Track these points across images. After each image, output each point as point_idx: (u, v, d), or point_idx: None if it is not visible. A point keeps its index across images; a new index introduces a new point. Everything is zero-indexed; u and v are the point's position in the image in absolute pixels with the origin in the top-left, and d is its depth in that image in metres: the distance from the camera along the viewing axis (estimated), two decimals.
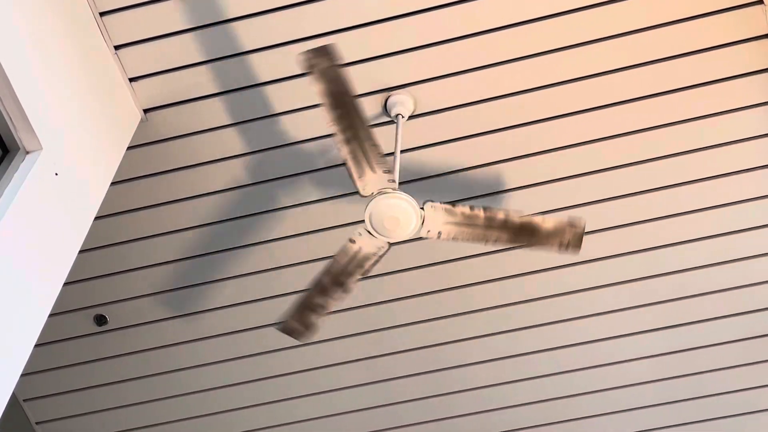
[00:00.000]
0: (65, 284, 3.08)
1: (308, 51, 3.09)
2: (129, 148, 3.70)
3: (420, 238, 4.03)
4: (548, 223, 3.28)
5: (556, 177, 3.96)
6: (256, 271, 4.23)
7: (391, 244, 3.36)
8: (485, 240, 3.31)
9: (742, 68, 3.66)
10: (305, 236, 4.12)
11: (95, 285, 4.24)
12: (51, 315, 2.98)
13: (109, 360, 4.50)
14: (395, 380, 4.61)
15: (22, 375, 2.78)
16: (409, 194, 3.26)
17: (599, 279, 4.26)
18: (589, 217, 4.05)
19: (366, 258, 3.38)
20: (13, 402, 4.54)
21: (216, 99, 3.73)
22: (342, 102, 3.15)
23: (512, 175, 3.94)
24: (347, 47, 3.60)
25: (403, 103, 3.70)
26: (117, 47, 3.60)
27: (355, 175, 3.24)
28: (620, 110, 3.78)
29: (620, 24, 3.58)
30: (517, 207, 4.03)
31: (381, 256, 3.39)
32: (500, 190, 3.99)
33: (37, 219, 2.95)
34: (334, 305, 3.54)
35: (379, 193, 3.24)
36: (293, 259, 4.20)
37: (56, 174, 3.08)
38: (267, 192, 3.99)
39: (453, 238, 3.32)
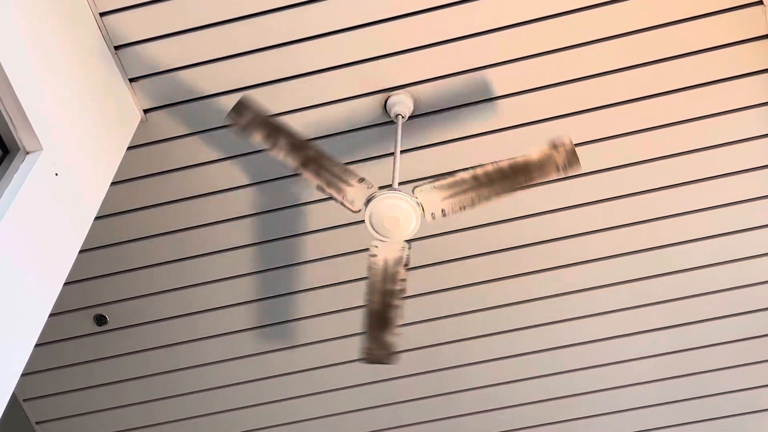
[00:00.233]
0: (65, 284, 3.08)
1: (229, 113, 3.21)
2: (129, 148, 3.70)
3: (418, 239, 4.04)
4: (535, 153, 3.20)
5: (556, 177, 3.95)
6: (256, 271, 4.23)
7: (410, 243, 3.34)
8: (488, 197, 3.24)
9: (742, 68, 3.66)
10: (305, 236, 4.12)
11: (95, 285, 4.24)
12: (51, 315, 2.98)
13: (109, 360, 4.50)
14: (395, 380, 4.61)
15: (22, 375, 2.78)
16: (403, 191, 3.25)
17: (599, 279, 4.26)
18: (590, 217, 4.07)
19: (396, 263, 3.36)
20: (13, 402, 4.54)
21: (216, 99, 3.73)
22: (284, 141, 3.21)
23: None
24: (347, 47, 3.61)
25: (403, 103, 3.70)
26: (117, 47, 3.60)
27: (338, 198, 3.26)
28: (619, 110, 3.78)
29: (620, 24, 3.58)
30: (519, 207, 4.04)
31: (408, 256, 3.35)
32: None
33: (37, 219, 2.95)
34: (400, 317, 3.50)
35: (369, 200, 3.23)
36: (293, 259, 4.20)
37: (56, 174, 3.08)
38: (267, 192, 3.99)
39: (460, 210, 3.26)
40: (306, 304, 4.34)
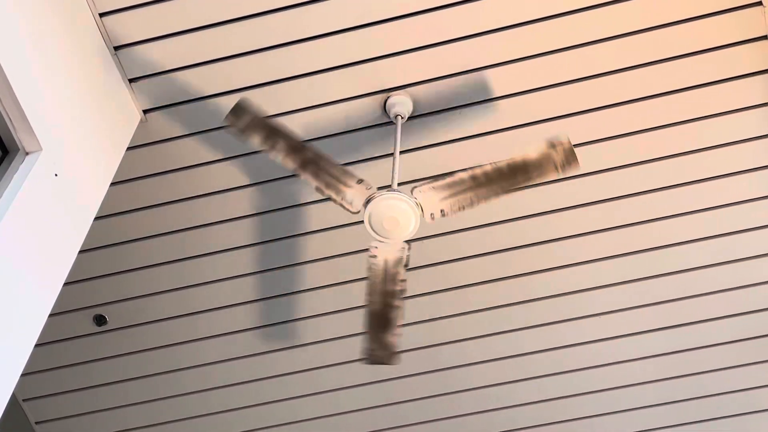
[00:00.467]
0: (65, 284, 3.08)
1: (227, 116, 3.22)
2: (129, 148, 3.70)
3: (419, 239, 4.04)
4: (534, 153, 3.18)
5: (556, 177, 3.95)
6: (256, 271, 4.23)
7: (409, 243, 3.34)
8: (487, 197, 3.23)
9: (742, 69, 3.66)
10: (305, 236, 4.12)
11: (95, 285, 4.24)
12: (50, 315, 2.98)
13: (109, 360, 4.50)
14: (396, 380, 4.61)
15: (22, 375, 2.78)
16: (402, 192, 3.25)
17: (600, 279, 4.26)
18: (590, 217, 4.06)
19: (396, 264, 3.36)
20: (13, 402, 4.54)
21: (215, 100, 3.73)
22: (283, 143, 3.22)
23: None
24: (347, 48, 3.61)
25: (402, 103, 3.70)
26: (117, 48, 3.60)
27: (337, 199, 3.26)
28: (619, 111, 3.78)
29: (620, 24, 3.58)
30: (519, 208, 4.04)
31: (408, 257, 3.36)
32: None
33: (36, 219, 2.95)
34: (400, 317, 3.50)
35: (368, 201, 3.23)
36: (293, 259, 4.20)
37: (56, 175, 3.09)
38: (267, 192, 3.99)
39: (459, 210, 3.26)
40: (306, 304, 4.34)
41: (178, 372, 4.55)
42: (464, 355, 4.51)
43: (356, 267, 4.20)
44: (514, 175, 3.20)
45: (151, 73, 3.66)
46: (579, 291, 4.30)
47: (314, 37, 3.60)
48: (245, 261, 4.19)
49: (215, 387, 4.62)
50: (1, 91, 2.90)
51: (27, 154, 3.02)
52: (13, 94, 2.90)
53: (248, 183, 3.96)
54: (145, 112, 3.76)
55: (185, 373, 4.56)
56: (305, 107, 3.75)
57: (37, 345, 2.87)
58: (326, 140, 3.83)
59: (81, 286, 4.23)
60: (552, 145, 3.16)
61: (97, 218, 3.43)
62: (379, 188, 3.27)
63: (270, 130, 3.24)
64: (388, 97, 3.72)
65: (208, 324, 4.39)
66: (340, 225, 4.07)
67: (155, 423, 4.74)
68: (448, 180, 3.21)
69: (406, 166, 3.83)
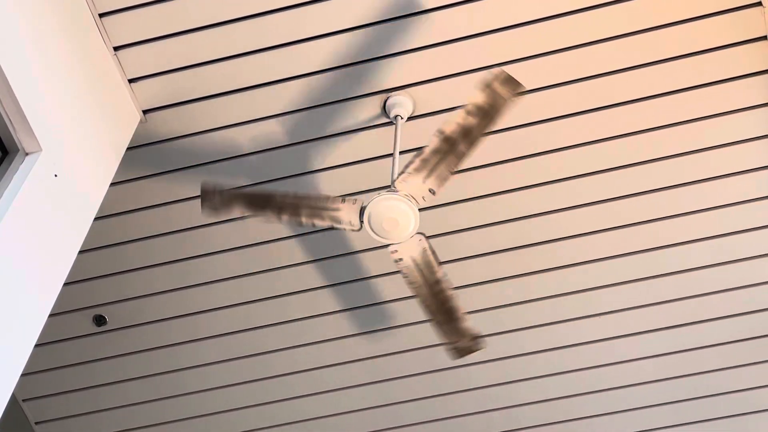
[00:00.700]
0: (64, 284, 3.08)
1: (201, 200, 3.33)
2: (128, 148, 3.70)
3: None
4: (478, 96, 3.10)
5: (557, 177, 3.96)
6: (256, 271, 4.23)
7: (427, 236, 3.33)
8: (463, 155, 3.18)
9: (742, 69, 3.66)
10: (305, 236, 4.12)
11: (94, 285, 4.24)
12: (50, 315, 2.98)
13: (109, 360, 4.50)
14: (396, 380, 4.61)
15: (22, 375, 2.78)
16: (388, 192, 3.24)
17: (600, 279, 4.26)
18: (590, 218, 4.06)
19: (425, 256, 3.35)
20: (13, 402, 4.54)
21: (215, 100, 3.73)
22: (259, 201, 3.29)
23: (512, 175, 3.94)
24: (346, 48, 3.61)
25: (402, 104, 3.70)
26: (116, 48, 3.60)
27: (336, 226, 3.29)
28: (620, 111, 3.78)
29: (620, 25, 3.58)
30: (519, 208, 4.04)
31: (431, 246, 3.34)
32: (500, 191, 3.99)
33: (36, 220, 2.95)
34: (460, 302, 3.48)
35: (361, 213, 3.23)
36: (294, 260, 4.20)
37: (56, 175, 3.09)
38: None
39: (445, 181, 3.22)
40: (306, 304, 4.34)
41: (178, 372, 4.55)
42: None
43: (356, 267, 4.20)
44: (476, 125, 3.14)
45: (150, 73, 3.66)
46: (579, 291, 4.30)
47: (314, 37, 3.60)
48: (245, 261, 4.19)
49: (215, 387, 4.62)
50: (0, 92, 2.90)
51: (27, 154, 3.02)
52: (13, 94, 2.90)
53: (247, 183, 3.96)
54: (144, 112, 3.76)
55: (185, 373, 4.56)
56: (305, 107, 3.75)
57: (36, 345, 2.87)
58: (326, 140, 3.83)
59: (81, 286, 4.23)
60: (489, 83, 3.09)
61: (96, 218, 3.43)
62: (379, 189, 3.27)
63: (243, 198, 3.32)
64: (388, 98, 3.72)
65: (208, 324, 4.39)
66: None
67: (155, 423, 4.74)
68: (419, 159, 3.18)
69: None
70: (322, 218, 3.28)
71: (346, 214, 3.26)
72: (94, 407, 4.66)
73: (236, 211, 3.35)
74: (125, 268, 4.20)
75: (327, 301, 4.33)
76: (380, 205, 3.21)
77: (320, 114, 3.77)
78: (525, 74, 3.68)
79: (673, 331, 4.42)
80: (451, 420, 4.76)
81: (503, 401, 4.69)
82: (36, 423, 4.69)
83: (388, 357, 4.52)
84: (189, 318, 4.37)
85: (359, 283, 4.26)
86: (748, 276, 4.23)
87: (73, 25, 3.40)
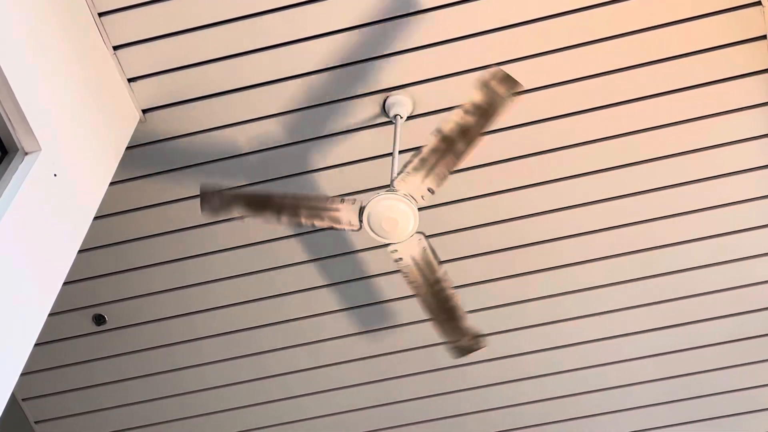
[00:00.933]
0: (64, 284, 3.08)
1: (200, 201, 3.32)
2: (128, 148, 3.70)
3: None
4: (476, 96, 3.09)
5: (556, 177, 3.96)
6: (255, 271, 4.23)
7: (427, 236, 3.33)
8: (461, 155, 3.17)
9: (741, 69, 3.66)
10: (304, 235, 4.12)
11: (94, 285, 4.24)
12: (50, 315, 2.98)
13: (108, 359, 4.50)
14: (396, 379, 4.62)
15: (21, 374, 2.78)
16: (387, 192, 3.24)
17: (599, 279, 4.26)
18: (589, 217, 4.06)
19: (425, 255, 3.35)
20: (12, 401, 4.54)
21: (215, 99, 3.73)
22: (260, 202, 3.29)
23: (512, 175, 3.94)
24: (346, 47, 3.61)
25: (401, 103, 3.70)
26: (116, 47, 3.59)
27: (333, 226, 3.29)
28: (619, 111, 3.78)
29: (619, 25, 3.58)
30: (519, 207, 4.04)
31: (431, 245, 3.33)
32: (500, 190, 3.99)
33: (36, 219, 2.95)
34: (459, 300, 3.48)
35: (360, 213, 3.23)
36: (293, 259, 4.20)
37: (55, 175, 3.08)
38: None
39: (443, 180, 3.22)
40: (306, 304, 4.34)
41: (177, 371, 4.56)
42: None
43: (356, 267, 4.20)
44: (473, 124, 3.14)
45: (150, 72, 3.66)
46: (579, 290, 4.30)
47: (313, 36, 3.60)
48: (244, 260, 4.19)
49: (214, 386, 4.62)
50: None
51: (26, 154, 3.01)
52: (12, 94, 2.90)
53: (247, 182, 3.96)
54: (144, 111, 3.76)
55: (184, 372, 4.56)
56: (304, 106, 3.75)
57: (36, 344, 2.87)
58: (325, 140, 3.83)
59: (80, 286, 4.23)
60: (487, 81, 3.09)
61: (96, 218, 3.43)
62: (379, 188, 3.27)
63: (242, 199, 3.32)
64: (388, 97, 3.72)
65: (207, 323, 4.39)
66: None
67: (154, 422, 4.74)
68: (418, 158, 3.18)
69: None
70: (321, 219, 3.29)
71: (346, 214, 3.26)
72: (93, 406, 4.66)
73: (236, 212, 3.35)
74: (125, 268, 4.20)
75: (326, 300, 4.33)
76: (379, 205, 3.21)
77: (319, 113, 3.77)
78: (524, 73, 3.67)
79: (673, 331, 4.43)
80: (451, 419, 4.77)
81: (502, 401, 4.69)
82: (35, 422, 4.69)
83: (387, 356, 4.52)
84: (188, 317, 4.37)
85: (359, 282, 4.25)
86: (747, 275, 4.23)
87: (73, 25, 3.40)
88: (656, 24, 3.58)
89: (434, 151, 3.17)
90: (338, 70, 3.66)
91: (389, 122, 3.79)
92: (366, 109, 3.76)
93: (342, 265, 4.21)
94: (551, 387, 4.64)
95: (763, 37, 3.59)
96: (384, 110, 3.74)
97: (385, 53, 3.63)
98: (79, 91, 3.36)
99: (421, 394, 4.67)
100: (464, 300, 4.27)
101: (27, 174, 2.94)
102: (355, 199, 3.25)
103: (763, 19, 3.53)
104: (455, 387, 4.64)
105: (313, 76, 3.68)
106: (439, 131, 3.15)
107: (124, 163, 3.71)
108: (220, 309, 4.35)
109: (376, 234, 3.26)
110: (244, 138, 3.84)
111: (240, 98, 3.73)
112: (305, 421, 4.76)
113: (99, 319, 4.35)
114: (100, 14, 3.52)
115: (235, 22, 3.56)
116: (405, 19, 3.56)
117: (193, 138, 3.83)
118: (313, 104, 3.74)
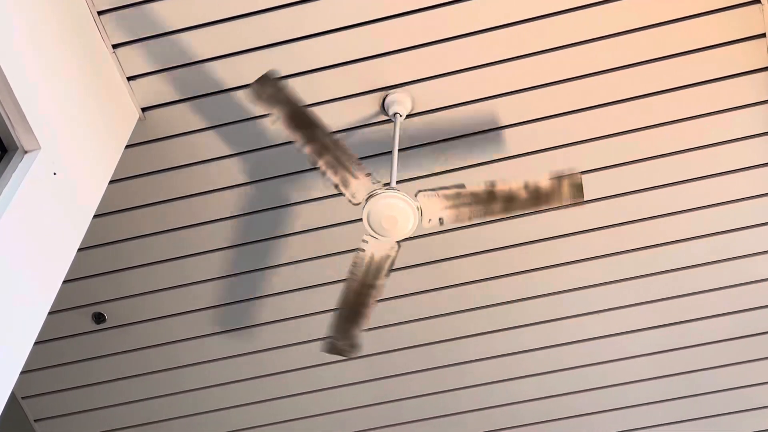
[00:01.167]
0: (64, 282, 3.09)
1: (253, 84, 3.18)
2: (127, 146, 3.70)
3: (418, 237, 4.04)
4: (544, 182, 3.22)
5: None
6: (255, 269, 4.23)
7: (400, 244, 3.35)
8: (488, 215, 3.26)
9: (741, 67, 3.66)
10: (305, 234, 4.12)
11: (93, 283, 4.24)
12: (49, 313, 2.98)
13: (108, 358, 4.50)
14: (395, 377, 4.62)
15: (21, 373, 2.79)
16: (404, 192, 3.25)
17: (598, 277, 4.26)
18: (588, 215, 4.07)
19: (382, 261, 3.37)
20: (12, 399, 4.54)
21: (214, 98, 3.73)
22: (302, 121, 3.21)
23: (512, 174, 3.94)
24: (346, 45, 3.61)
25: (401, 101, 3.70)
26: (115, 46, 3.60)
27: (340, 186, 3.26)
28: (618, 109, 3.78)
29: (618, 23, 3.58)
30: None
31: (395, 257, 3.37)
32: None
33: (35, 218, 2.95)
34: (370, 314, 3.52)
35: (370, 195, 3.23)
36: (293, 258, 4.20)
37: (54, 173, 3.09)
38: (266, 190, 3.99)
39: (456, 221, 3.28)
40: (306, 303, 4.34)
41: (176, 370, 4.56)
42: (462, 352, 4.51)
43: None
44: (520, 201, 3.24)
45: (149, 71, 3.66)
46: (577, 288, 4.30)
47: (313, 34, 3.60)
48: (244, 259, 4.19)
49: (214, 385, 4.62)
50: None
51: (26, 152, 3.02)
52: (12, 92, 2.90)
53: (246, 181, 3.96)
54: (143, 110, 3.76)
55: (184, 370, 4.56)
56: (304, 105, 3.74)
57: (36, 343, 2.88)
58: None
59: (80, 284, 4.23)
60: (563, 178, 3.21)
61: (95, 216, 3.44)
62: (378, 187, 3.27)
63: (292, 106, 3.22)
64: (387, 95, 3.72)
65: (206, 322, 4.39)
66: (339, 224, 4.07)
67: (154, 420, 4.74)
68: (455, 191, 3.23)
69: (404, 164, 3.84)
70: (335, 173, 3.25)
71: (358, 185, 3.25)
72: (93, 404, 4.67)
73: (275, 112, 3.23)
74: (124, 266, 4.20)
75: (324, 299, 4.33)
76: (380, 203, 3.21)
77: (319, 111, 3.77)
78: (524, 72, 3.69)
79: (671, 329, 4.43)
80: (450, 417, 4.77)
81: (501, 399, 4.69)
82: (35, 420, 4.69)
83: (388, 354, 4.52)
84: (188, 316, 4.37)
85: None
86: (747, 273, 4.23)
87: (72, 23, 3.40)
88: (656, 22, 3.58)
89: (474, 195, 3.22)
90: (338, 68, 3.66)
91: (389, 120, 3.79)
92: (365, 108, 3.76)
93: (340, 263, 4.21)
94: (551, 385, 4.64)
95: (763, 35, 3.59)
96: (383, 108, 3.74)
97: (385, 51, 3.63)
98: (79, 89, 3.36)
99: (421, 392, 4.67)
100: (464, 298, 4.31)
101: (26, 172, 2.94)
102: (378, 181, 3.25)
103: (762, 17, 3.54)
104: (454, 385, 4.65)
105: (312, 74, 3.68)
106: (491, 183, 3.20)
107: (123, 161, 3.71)
108: (220, 307, 4.35)
109: (369, 225, 3.27)
110: (243, 136, 3.84)
111: (239, 97, 3.73)
112: (304, 420, 4.76)
113: (98, 318, 4.35)
114: (100, 13, 3.52)
115: (233, 20, 3.56)
116: (405, 18, 3.56)
117: (192, 136, 3.84)
118: (312, 102, 3.74)
